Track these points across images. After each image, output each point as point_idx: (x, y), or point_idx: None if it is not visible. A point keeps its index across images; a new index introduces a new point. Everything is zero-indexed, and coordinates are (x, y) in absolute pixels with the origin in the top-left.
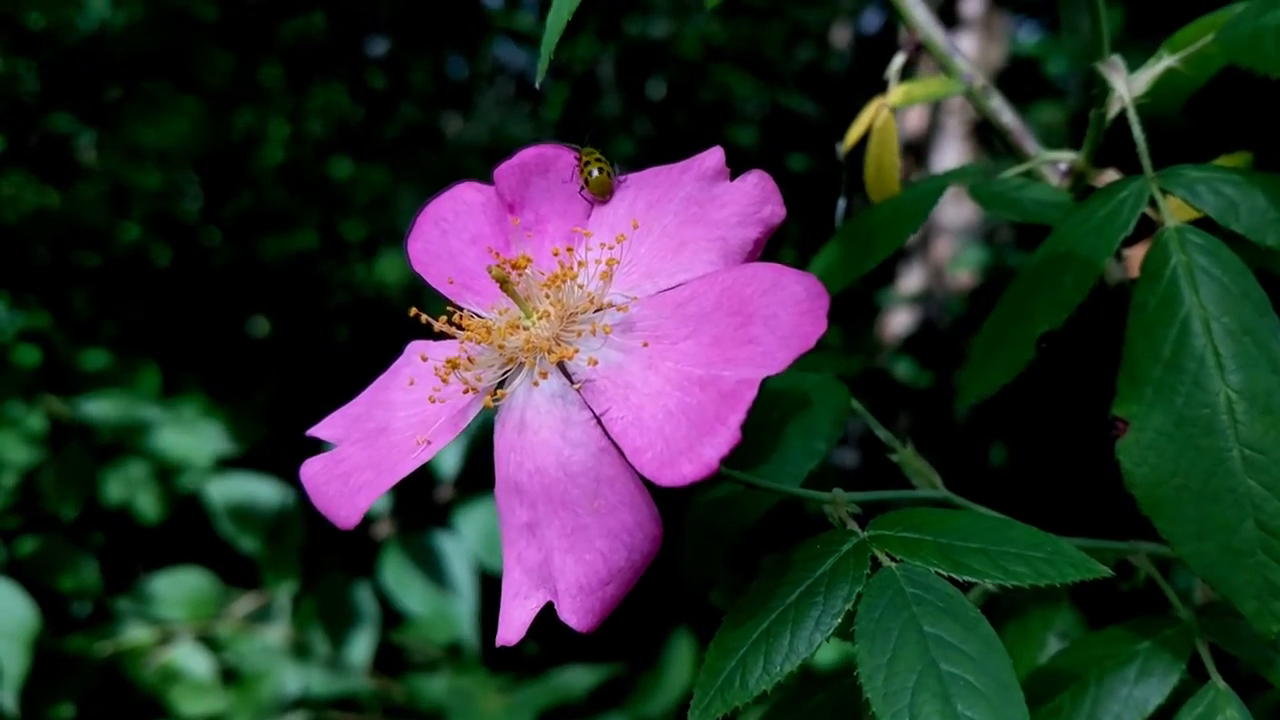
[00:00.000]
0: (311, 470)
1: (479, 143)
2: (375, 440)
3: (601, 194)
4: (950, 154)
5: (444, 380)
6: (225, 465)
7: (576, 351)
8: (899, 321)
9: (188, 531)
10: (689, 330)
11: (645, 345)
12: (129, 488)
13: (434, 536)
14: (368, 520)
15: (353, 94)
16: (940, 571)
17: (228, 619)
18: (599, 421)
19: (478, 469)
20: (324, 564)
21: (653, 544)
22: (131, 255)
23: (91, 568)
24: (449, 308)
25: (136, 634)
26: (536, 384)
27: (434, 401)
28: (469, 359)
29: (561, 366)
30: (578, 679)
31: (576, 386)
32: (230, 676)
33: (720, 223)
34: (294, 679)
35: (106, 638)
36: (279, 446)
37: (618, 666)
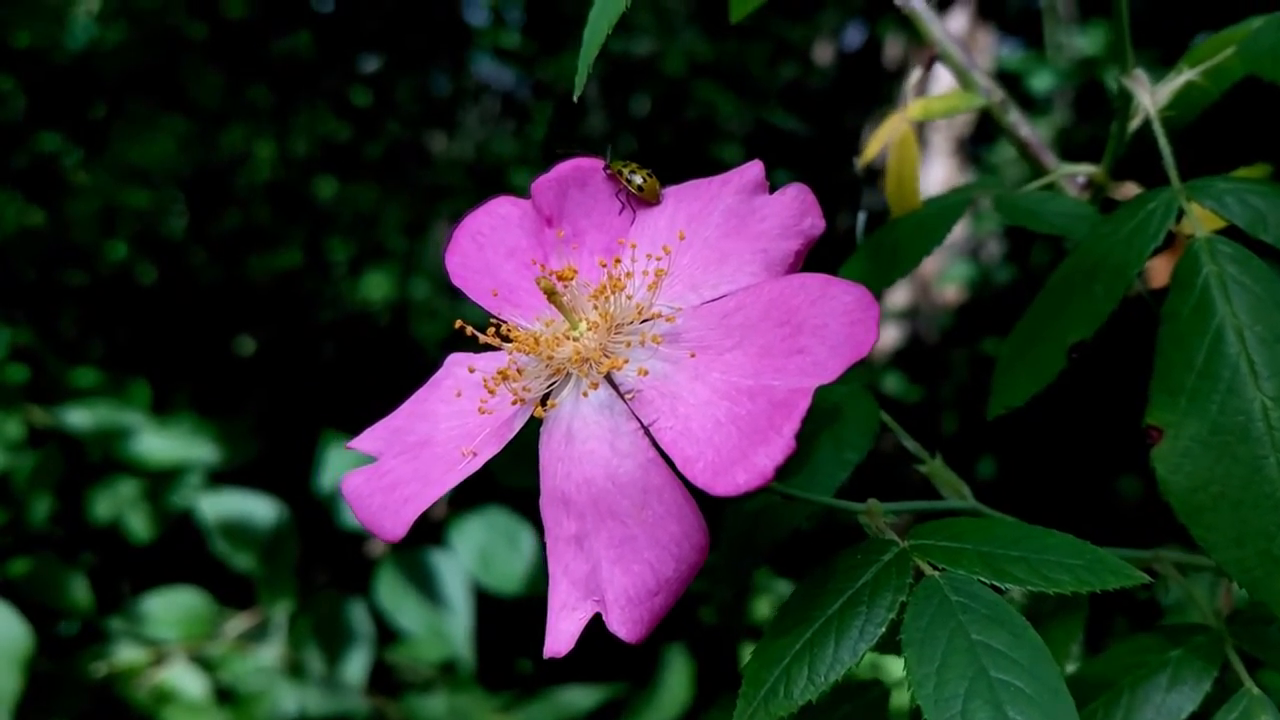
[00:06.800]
0: (354, 483)
1: (465, 160)
2: (419, 452)
3: (654, 199)
4: (937, 170)
5: (491, 392)
6: (218, 481)
7: (626, 362)
8: (887, 337)
9: (181, 550)
10: (735, 341)
11: (692, 356)
12: (118, 505)
13: (428, 554)
14: (362, 537)
15: (338, 112)
16: (983, 579)
17: (222, 639)
18: (647, 432)
19: (471, 486)
20: (317, 582)
21: (700, 555)
22: (118, 274)
23: (83, 587)
24: (493, 320)
25: (129, 654)
26: (586, 395)
27: (482, 413)
28: (518, 370)
29: (608, 377)
30: (580, 698)
31: (629, 397)
32: (225, 697)
33: (762, 235)
34: (290, 699)
35: (100, 658)
36: (271, 464)
37: (620, 686)
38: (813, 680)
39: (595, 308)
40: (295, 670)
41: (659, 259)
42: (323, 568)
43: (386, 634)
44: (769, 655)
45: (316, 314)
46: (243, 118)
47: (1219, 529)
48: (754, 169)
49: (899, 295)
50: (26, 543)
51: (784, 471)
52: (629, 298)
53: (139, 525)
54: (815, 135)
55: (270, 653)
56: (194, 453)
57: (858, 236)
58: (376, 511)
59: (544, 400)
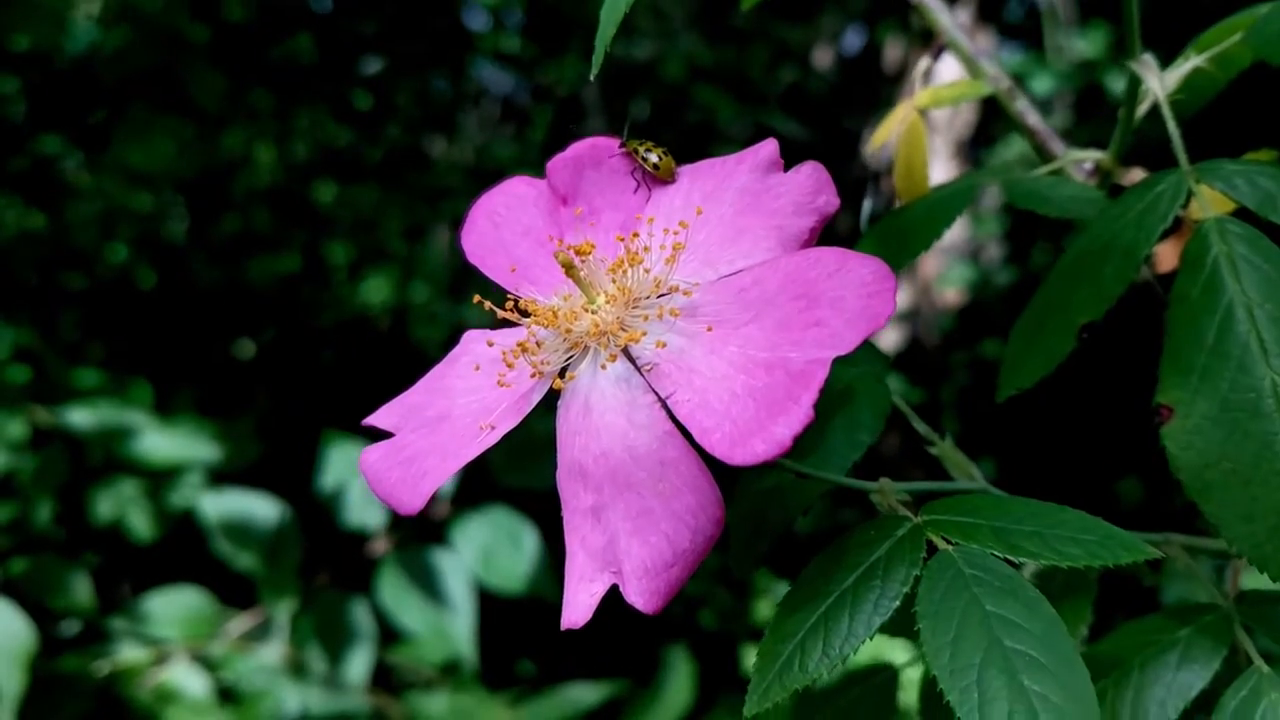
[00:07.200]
0: (372, 458)
1: (464, 163)
2: (437, 427)
3: (669, 177)
4: (938, 173)
5: (509, 365)
6: (220, 481)
7: (644, 335)
8: (887, 339)
9: (183, 550)
10: (751, 315)
11: (709, 330)
12: (120, 505)
13: (431, 553)
14: (364, 537)
15: (338, 116)
16: (996, 553)
17: (224, 638)
18: (664, 404)
19: (473, 485)
20: (319, 581)
21: (715, 527)
22: (118, 277)
23: (85, 587)
24: (509, 296)
25: (131, 654)
26: (604, 367)
27: (501, 386)
28: (537, 343)
29: (626, 350)
30: (584, 695)
31: (646, 369)
32: (227, 696)
33: (777, 212)
34: (292, 698)
35: (102, 658)
36: (273, 464)
37: (624, 684)
38: (827, 654)
39: (613, 282)
40: (297, 670)
41: (676, 234)
42: (324, 567)
43: (388, 633)
44: (784, 630)
45: (317, 317)
46: (243, 121)
47: (1229, 505)
48: (768, 147)
49: (899, 297)
50: (29, 542)
51: (798, 451)
52: (646, 272)
53: (141, 525)
54: (815, 139)
55: (272, 652)
56: (195, 452)
57: (862, 227)
58: (394, 485)
59: (562, 373)
